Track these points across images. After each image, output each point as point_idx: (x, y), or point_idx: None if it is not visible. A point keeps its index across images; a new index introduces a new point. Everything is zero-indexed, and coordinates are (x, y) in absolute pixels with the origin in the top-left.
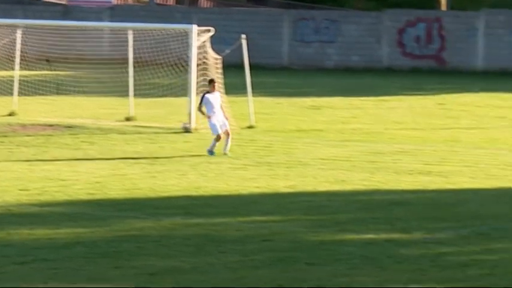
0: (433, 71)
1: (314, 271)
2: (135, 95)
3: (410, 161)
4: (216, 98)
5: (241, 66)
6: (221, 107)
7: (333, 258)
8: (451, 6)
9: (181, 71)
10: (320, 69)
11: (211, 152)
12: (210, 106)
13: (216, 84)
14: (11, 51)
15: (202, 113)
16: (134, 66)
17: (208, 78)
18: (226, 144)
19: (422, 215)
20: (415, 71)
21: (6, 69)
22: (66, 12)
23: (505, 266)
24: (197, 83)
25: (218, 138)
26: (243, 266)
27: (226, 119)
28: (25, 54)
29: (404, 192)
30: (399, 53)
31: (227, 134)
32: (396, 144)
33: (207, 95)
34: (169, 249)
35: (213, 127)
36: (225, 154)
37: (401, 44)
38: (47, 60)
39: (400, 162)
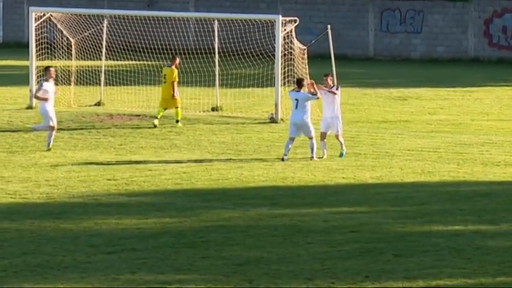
0: None
1: (401, 262)
2: (221, 85)
3: (497, 152)
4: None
5: (326, 57)
6: (335, 103)
7: (420, 249)
8: None
9: (266, 61)
10: (406, 59)
11: (341, 154)
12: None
13: (330, 78)
14: (97, 41)
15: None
16: (219, 57)
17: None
18: (341, 147)
19: (510, 207)
20: (501, 62)
21: (92, 59)
22: (151, 2)
23: None
24: (283, 73)
25: (321, 137)
26: (330, 257)
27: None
28: (111, 44)
29: (491, 184)
30: (486, 43)
31: (336, 137)
32: (483, 135)
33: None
34: (257, 240)
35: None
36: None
37: (487, 35)
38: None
39: (487, 154)
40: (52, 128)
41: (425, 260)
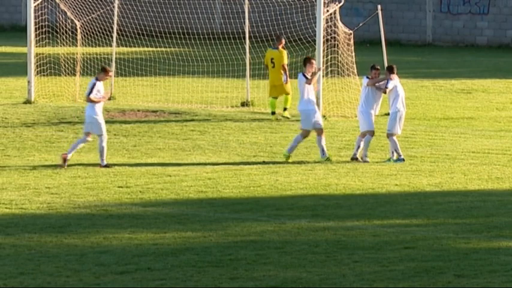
0: None
1: (465, 284)
2: (252, 76)
3: None
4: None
5: (377, 43)
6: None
7: (486, 269)
8: None
9: (306, 47)
10: (470, 46)
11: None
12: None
13: (377, 70)
14: (107, 24)
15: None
16: (251, 42)
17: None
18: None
19: None
20: None
21: (101, 46)
22: None
23: None
24: (325, 61)
25: (371, 134)
26: (380, 278)
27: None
28: (123, 28)
29: None
30: None
31: (387, 136)
32: None
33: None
34: (294, 258)
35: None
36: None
37: None
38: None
39: None
40: (320, 132)
41: (492, 282)
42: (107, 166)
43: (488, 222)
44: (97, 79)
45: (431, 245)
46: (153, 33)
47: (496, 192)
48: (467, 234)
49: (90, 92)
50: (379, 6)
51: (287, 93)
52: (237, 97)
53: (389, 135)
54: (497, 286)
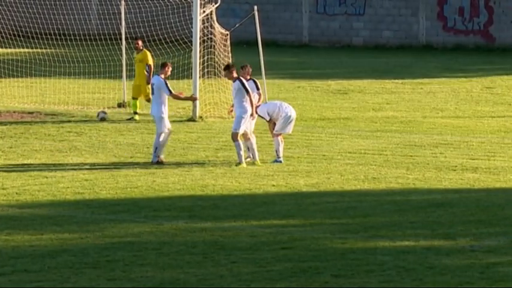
0: (480, 48)
1: (341, 284)
2: (129, 77)
3: (453, 155)
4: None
5: (253, 43)
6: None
7: (363, 269)
8: None
9: (182, 48)
10: (346, 46)
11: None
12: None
13: (249, 69)
14: None
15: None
16: (127, 43)
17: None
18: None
19: (468, 219)
20: (458, 49)
21: None
22: None
23: None
24: (202, 62)
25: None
26: (258, 278)
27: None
28: None
29: (446, 192)
30: (439, 27)
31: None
32: (437, 135)
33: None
34: (172, 259)
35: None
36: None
37: (442, 17)
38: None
39: (441, 157)
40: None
41: (369, 282)
42: (158, 163)
43: (365, 222)
44: (158, 75)
45: (308, 245)
46: (29, 34)
47: (373, 192)
48: (344, 234)
49: (169, 89)
50: (255, 7)
51: (134, 97)
52: (114, 98)
53: (275, 135)
54: (374, 286)
